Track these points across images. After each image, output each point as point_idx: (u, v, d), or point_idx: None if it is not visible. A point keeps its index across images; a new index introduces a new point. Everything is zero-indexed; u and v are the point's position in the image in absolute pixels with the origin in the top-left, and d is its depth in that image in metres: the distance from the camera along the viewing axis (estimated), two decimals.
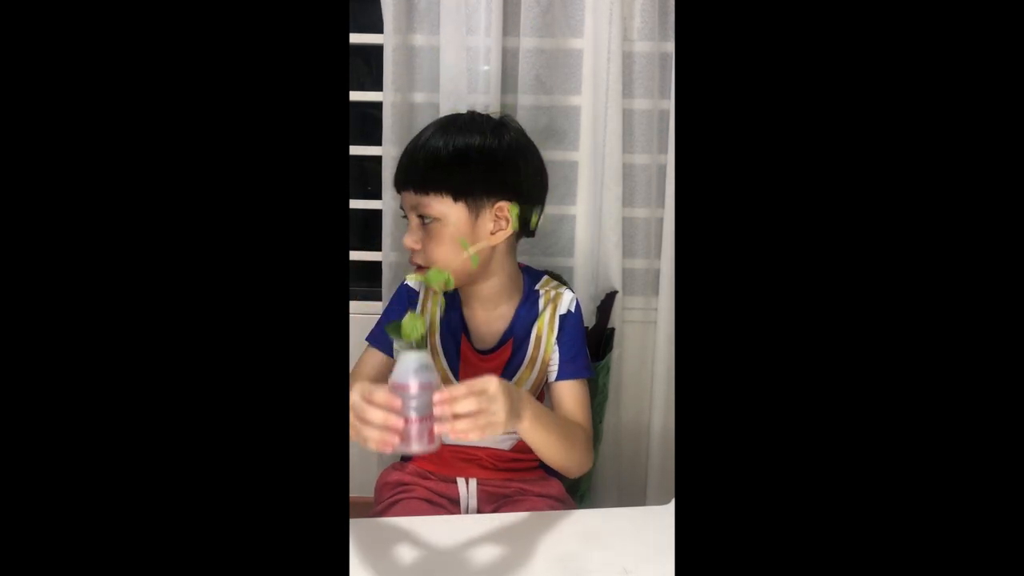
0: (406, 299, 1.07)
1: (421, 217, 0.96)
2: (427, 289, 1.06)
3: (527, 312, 1.04)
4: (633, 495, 1.44)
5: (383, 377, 1.05)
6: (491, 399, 0.76)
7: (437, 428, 0.75)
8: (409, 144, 1.00)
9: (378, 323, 1.06)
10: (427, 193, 0.95)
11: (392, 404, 0.73)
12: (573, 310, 1.05)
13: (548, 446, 0.90)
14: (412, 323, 0.76)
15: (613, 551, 0.81)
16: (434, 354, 1.03)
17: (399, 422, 0.73)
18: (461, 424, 0.74)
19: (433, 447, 0.76)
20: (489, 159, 0.97)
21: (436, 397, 0.75)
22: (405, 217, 0.99)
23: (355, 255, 1.46)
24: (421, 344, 0.76)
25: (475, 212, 0.96)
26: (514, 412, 0.79)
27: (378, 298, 1.42)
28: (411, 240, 0.97)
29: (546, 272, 1.14)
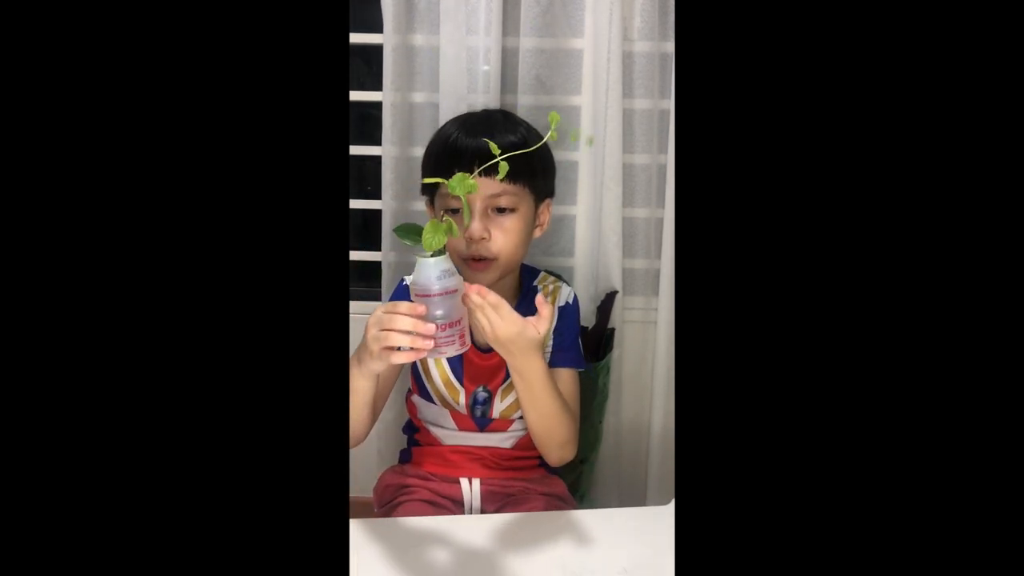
0: (407, 298, 1.05)
1: (495, 208, 0.95)
2: None
3: (527, 307, 1.03)
4: (633, 495, 1.44)
5: (392, 375, 1.05)
6: (498, 306, 0.81)
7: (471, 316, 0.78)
8: (460, 135, 0.97)
9: None
10: (514, 183, 0.94)
11: (416, 310, 0.74)
12: (571, 302, 1.08)
13: (543, 404, 0.93)
14: (433, 232, 0.74)
15: (613, 551, 0.81)
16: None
17: (429, 327, 0.74)
18: (482, 312, 0.79)
19: (465, 348, 0.78)
20: (549, 157, 1.04)
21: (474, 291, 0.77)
22: (453, 211, 0.95)
23: (355, 255, 1.46)
24: (441, 251, 0.75)
25: (537, 207, 1.01)
26: (540, 341, 0.85)
27: (378, 298, 1.42)
28: (481, 229, 0.93)
29: (543, 270, 1.14)
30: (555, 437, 0.98)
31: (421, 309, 0.74)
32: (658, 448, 1.42)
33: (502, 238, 0.95)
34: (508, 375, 1.02)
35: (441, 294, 0.75)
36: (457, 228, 0.76)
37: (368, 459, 1.36)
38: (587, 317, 1.33)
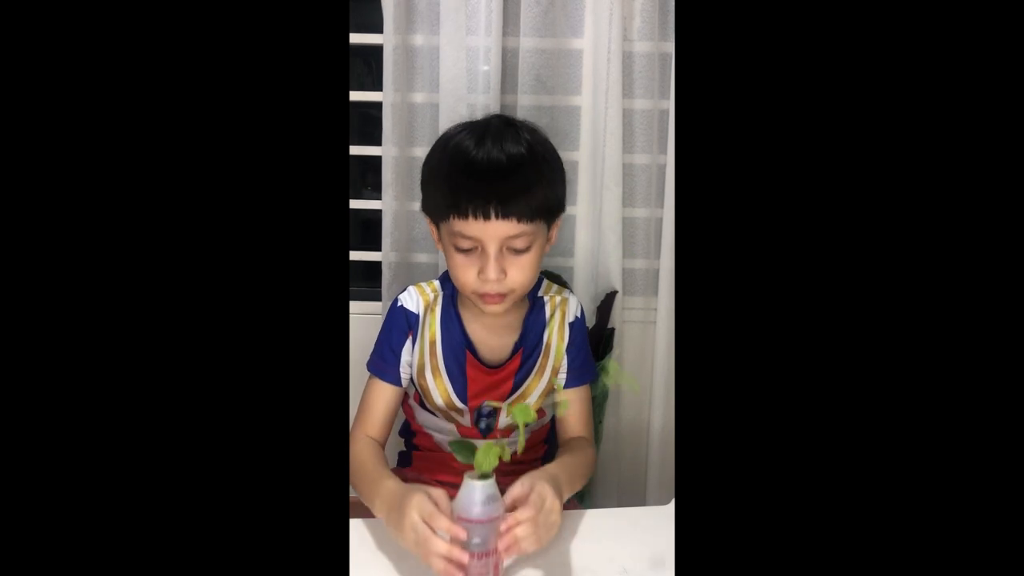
0: (405, 323, 1.00)
1: (512, 248, 0.89)
2: (426, 309, 1.00)
3: (535, 320, 1.02)
4: (633, 495, 1.44)
5: (396, 411, 1.02)
6: (550, 511, 0.76)
7: (504, 554, 0.73)
8: (462, 162, 0.87)
9: (376, 348, 1.01)
10: (532, 221, 0.88)
11: (457, 535, 0.71)
12: (579, 315, 1.04)
13: (577, 489, 0.92)
14: (488, 455, 0.72)
15: (613, 551, 0.81)
16: (436, 374, 1.00)
17: (463, 556, 0.70)
18: (526, 544, 0.74)
19: None
20: (561, 175, 0.95)
21: (502, 527, 0.73)
22: (467, 249, 0.89)
23: (355, 255, 1.46)
24: (490, 473, 0.72)
25: (549, 229, 0.95)
26: (561, 502, 0.80)
27: (378, 298, 1.42)
28: (497, 270, 0.87)
29: (542, 273, 1.13)
30: (593, 468, 0.99)
31: (461, 535, 0.71)
32: (658, 448, 1.42)
33: (518, 275, 0.90)
34: (515, 388, 1.00)
35: (481, 521, 0.72)
36: (508, 453, 0.73)
37: None
38: (587, 317, 1.33)
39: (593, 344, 1.29)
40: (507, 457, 0.73)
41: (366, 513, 0.87)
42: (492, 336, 1.01)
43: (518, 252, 0.89)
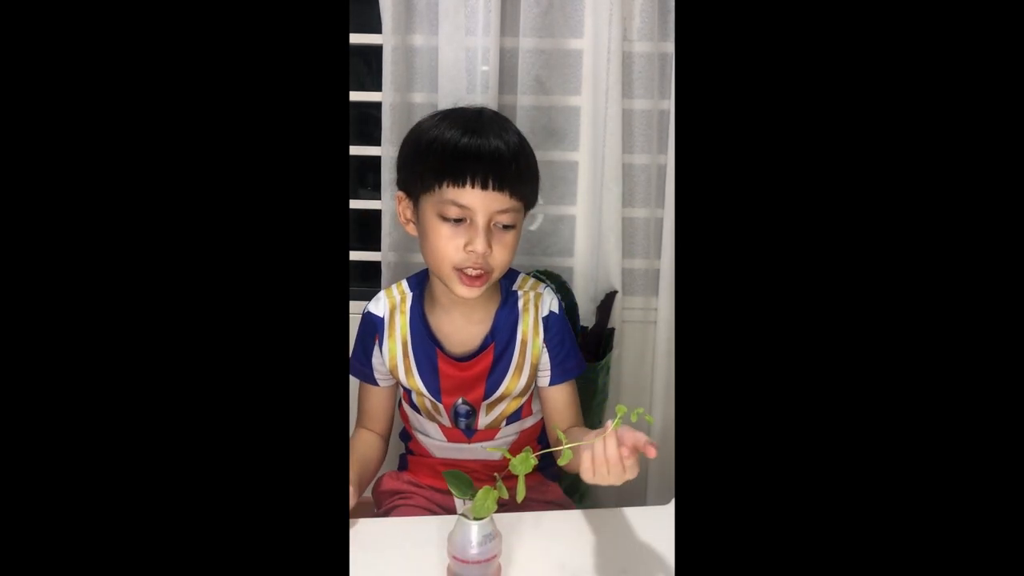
0: (372, 328, 1.02)
1: (500, 224, 0.90)
2: (392, 312, 1.02)
3: (507, 315, 1.00)
4: (633, 495, 1.44)
5: (392, 407, 1.06)
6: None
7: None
8: (465, 131, 0.90)
9: (353, 354, 1.03)
10: (520, 198, 0.91)
11: None
12: (556, 310, 1.01)
13: None
14: (486, 500, 0.71)
15: (613, 551, 0.82)
16: (409, 373, 1.00)
17: None
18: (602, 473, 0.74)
19: None
20: (538, 172, 0.97)
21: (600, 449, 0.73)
22: (458, 219, 0.89)
23: (354, 255, 1.46)
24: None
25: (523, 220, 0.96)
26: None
27: None
28: (485, 244, 0.89)
29: (539, 272, 1.13)
30: None
31: None
32: (658, 448, 1.42)
33: (501, 253, 0.91)
34: (491, 389, 0.99)
35: (479, 562, 0.71)
36: (508, 492, 0.73)
37: None
38: (587, 317, 1.33)
39: (593, 344, 1.29)
40: (505, 495, 0.72)
41: (366, 513, 0.87)
42: (459, 330, 1.00)
43: (504, 228, 0.91)
